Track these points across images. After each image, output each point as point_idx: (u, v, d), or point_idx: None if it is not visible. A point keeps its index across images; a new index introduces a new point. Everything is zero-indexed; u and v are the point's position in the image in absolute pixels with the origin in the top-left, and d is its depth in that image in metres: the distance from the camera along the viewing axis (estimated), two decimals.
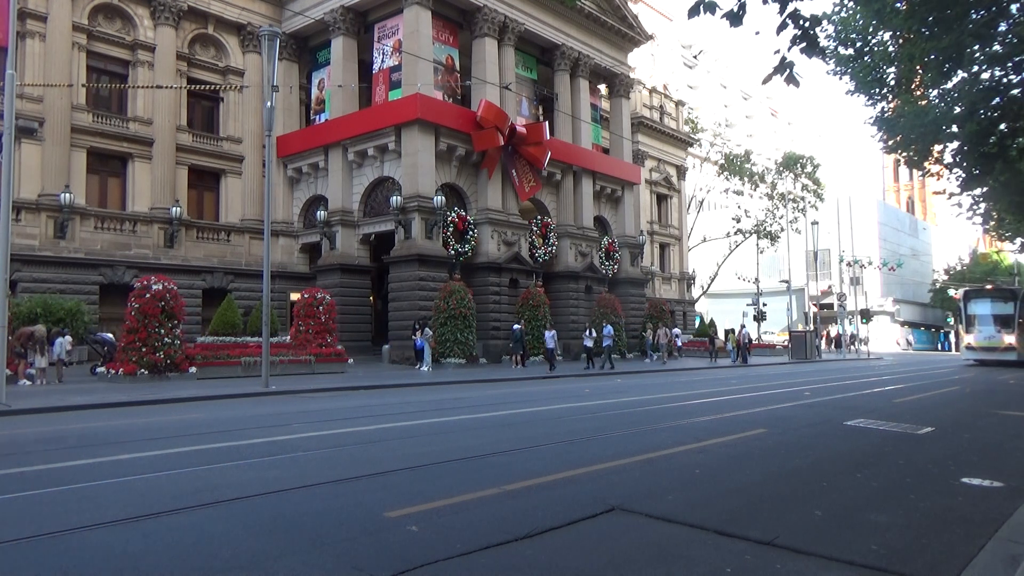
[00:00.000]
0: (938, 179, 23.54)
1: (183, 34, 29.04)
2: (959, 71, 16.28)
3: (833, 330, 55.15)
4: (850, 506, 5.12)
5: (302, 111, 33.15)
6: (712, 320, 45.96)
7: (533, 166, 30.99)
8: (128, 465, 6.55)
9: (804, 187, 48.58)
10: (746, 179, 47.02)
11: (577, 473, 6.08)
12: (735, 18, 6.89)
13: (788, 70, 6.96)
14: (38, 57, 24.99)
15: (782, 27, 6.90)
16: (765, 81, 7.49)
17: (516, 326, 26.18)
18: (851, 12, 19.58)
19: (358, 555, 3.83)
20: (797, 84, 7.00)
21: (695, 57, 77.95)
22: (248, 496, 5.17)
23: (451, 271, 27.60)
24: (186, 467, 6.44)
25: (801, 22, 6.84)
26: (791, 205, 46.73)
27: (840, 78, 20.76)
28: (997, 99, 16.41)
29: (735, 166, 47.16)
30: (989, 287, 37.06)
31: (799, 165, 48.03)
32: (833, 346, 52.31)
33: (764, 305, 42.22)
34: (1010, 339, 30.89)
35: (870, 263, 55.19)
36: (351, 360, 23.73)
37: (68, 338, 18.85)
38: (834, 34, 20.12)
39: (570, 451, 7.48)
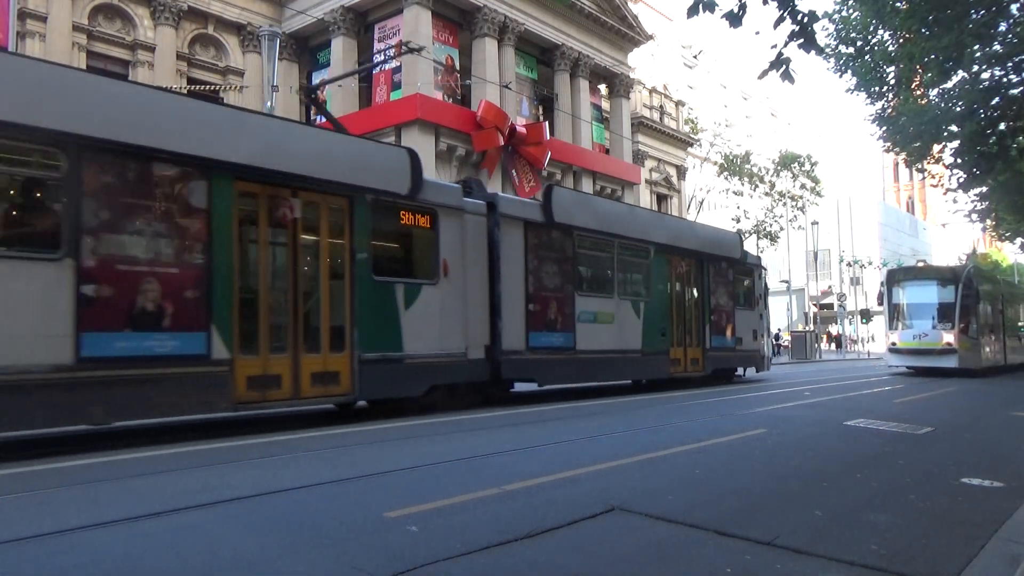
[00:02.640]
0: (939, 180, 23.56)
1: (183, 34, 29.06)
2: (959, 71, 16.29)
3: (834, 329, 55.13)
4: (850, 506, 5.12)
5: (302, 111, 33.15)
6: None
7: (533, 166, 31.01)
8: (128, 465, 6.56)
9: (803, 185, 48.56)
10: (746, 179, 47.00)
11: (577, 473, 6.08)
12: (735, 18, 6.88)
13: (784, 66, 6.93)
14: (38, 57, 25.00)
15: (779, 21, 6.87)
16: (761, 76, 7.48)
17: None
18: (852, 11, 19.62)
19: (358, 555, 3.84)
20: (792, 81, 6.98)
21: (695, 57, 77.92)
22: (248, 496, 5.17)
23: None
24: (186, 467, 6.44)
25: (799, 17, 6.82)
26: (790, 204, 46.69)
27: (841, 76, 20.81)
28: (997, 99, 16.43)
29: (735, 166, 47.14)
30: (921, 265, 28.63)
31: (797, 163, 47.98)
32: (834, 346, 52.32)
33: None
34: (949, 337, 21.81)
35: (870, 263, 55.17)
36: None
37: None
38: (835, 33, 20.17)
39: (570, 451, 7.48)
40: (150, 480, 5.92)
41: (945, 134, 18.52)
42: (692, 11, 6.92)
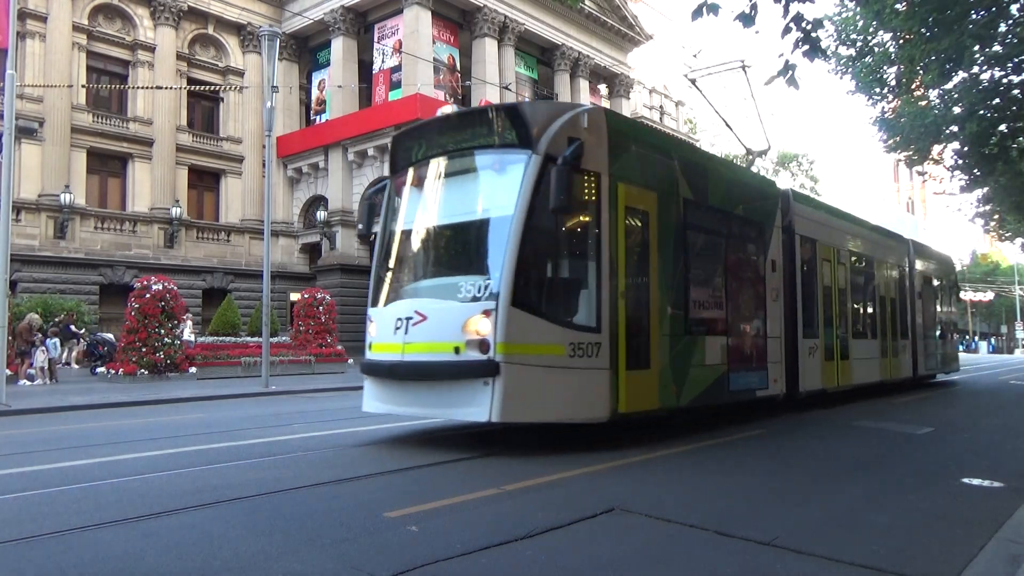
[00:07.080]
0: (940, 182, 23.52)
1: (183, 34, 29.06)
2: (959, 72, 16.26)
3: None
4: (850, 506, 5.12)
5: (302, 111, 33.16)
6: None
7: None
8: (128, 465, 6.55)
9: (802, 185, 48.62)
10: None
11: (576, 473, 6.07)
12: (747, 19, 6.98)
13: (790, 72, 7.05)
14: (38, 57, 25.01)
15: (786, 31, 6.97)
16: (767, 83, 7.63)
17: None
18: (852, 13, 19.60)
19: (358, 555, 3.83)
20: (797, 87, 7.11)
21: (695, 56, 77.82)
22: (248, 496, 5.17)
23: None
24: (186, 467, 6.44)
25: (804, 25, 6.92)
26: None
27: (841, 78, 20.79)
28: (997, 100, 16.38)
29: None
30: (449, 110, 9.46)
31: (796, 162, 48.10)
32: None
33: None
34: (481, 322, 6.80)
35: None
36: (351, 360, 23.70)
37: (56, 340, 18.71)
38: (835, 34, 20.15)
39: (569, 451, 7.47)
40: (150, 480, 5.92)
41: (947, 133, 18.49)
42: (696, 13, 6.99)
